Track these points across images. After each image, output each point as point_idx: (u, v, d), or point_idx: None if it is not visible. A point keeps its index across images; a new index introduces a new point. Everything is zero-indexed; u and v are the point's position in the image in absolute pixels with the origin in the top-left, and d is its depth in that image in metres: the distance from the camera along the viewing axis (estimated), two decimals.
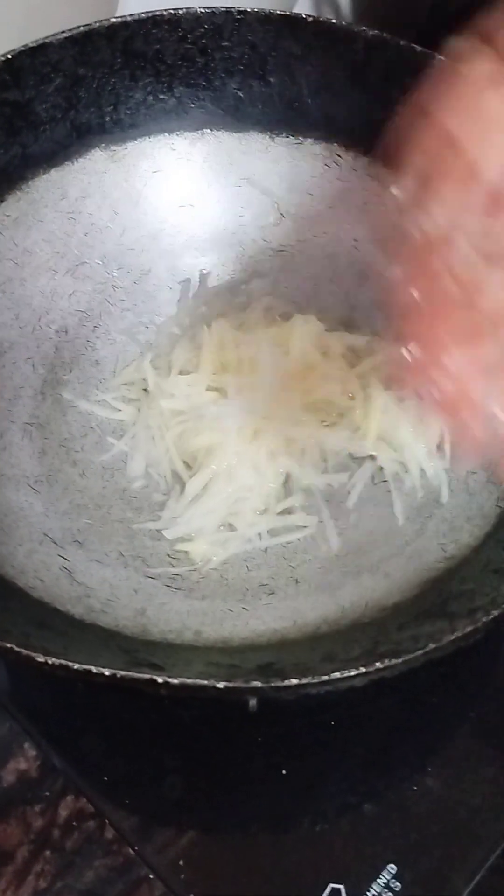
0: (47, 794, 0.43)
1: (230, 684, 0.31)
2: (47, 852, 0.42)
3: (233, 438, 0.42)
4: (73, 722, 0.44)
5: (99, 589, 0.39)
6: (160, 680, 0.31)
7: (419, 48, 0.46)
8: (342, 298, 0.49)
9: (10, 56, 0.44)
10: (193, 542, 0.42)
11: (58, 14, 0.50)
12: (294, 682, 0.30)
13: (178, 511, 0.42)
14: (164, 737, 0.43)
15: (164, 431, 0.44)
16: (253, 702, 0.40)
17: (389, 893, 0.39)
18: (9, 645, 0.31)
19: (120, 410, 0.46)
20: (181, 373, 0.46)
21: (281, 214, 0.50)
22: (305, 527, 0.42)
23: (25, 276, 0.47)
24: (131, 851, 0.41)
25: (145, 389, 0.46)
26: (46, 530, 0.41)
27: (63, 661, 0.31)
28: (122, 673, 0.31)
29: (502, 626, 0.45)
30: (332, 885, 0.39)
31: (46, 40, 0.45)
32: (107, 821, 0.42)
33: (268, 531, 0.42)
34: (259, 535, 0.42)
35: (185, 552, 0.42)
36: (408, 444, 0.44)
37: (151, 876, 0.41)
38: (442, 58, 0.45)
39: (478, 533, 0.40)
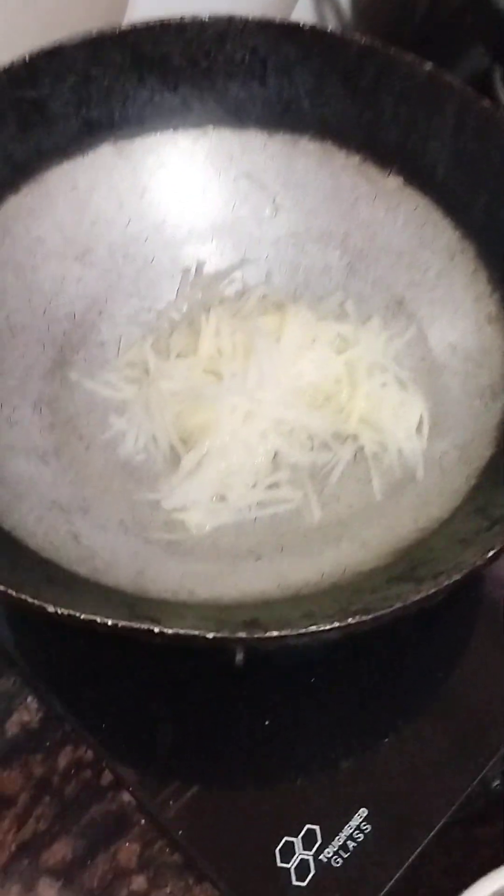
0: (48, 744, 0.45)
1: (218, 634, 0.33)
2: (47, 798, 0.44)
3: (226, 418, 0.44)
4: (74, 674, 0.46)
5: (102, 552, 0.41)
6: (156, 630, 0.33)
7: (409, 55, 0.47)
8: (332, 289, 0.51)
9: (27, 57, 0.45)
10: (189, 511, 0.43)
11: (72, 19, 0.51)
12: (275, 633, 0.33)
13: (175, 484, 0.44)
14: (159, 690, 0.45)
15: (162, 410, 0.45)
16: (239, 656, 0.43)
17: (360, 834, 0.42)
18: (23, 596, 0.33)
19: (122, 390, 0.47)
20: (179, 356, 0.47)
21: (276, 208, 0.51)
22: (291, 500, 0.44)
23: (37, 263, 0.48)
24: (124, 798, 0.43)
25: (147, 371, 0.47)
26: (55, 498, 0.43)
27: (71, 612, 0.33)
28: (123, 623, 0.33)
29: (472, 595, 0.49)
30: (308, 826, 0.42)
31: (62, 43, 0.46)
32: (103, 764, 0.44)
33: (257, 503, 0.44)
34: (249, 506, 0.44)
35: (182, 521, 0.43)
36: (388, 426, 0.45)
37: (143, 821, 0.43)
38: (430, 64, 0.48)
39: (448, 507, 0.41)
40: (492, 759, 0.44)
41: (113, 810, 0.44)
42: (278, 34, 0.48)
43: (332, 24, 0.70)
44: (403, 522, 0.42)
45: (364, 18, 0.72)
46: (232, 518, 0.44)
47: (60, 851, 0.43)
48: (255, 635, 0.33)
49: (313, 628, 0.33)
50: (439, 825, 0.42)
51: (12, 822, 0.43)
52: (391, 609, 0.34)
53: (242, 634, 0.34)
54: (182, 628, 0.34)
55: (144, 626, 0.33)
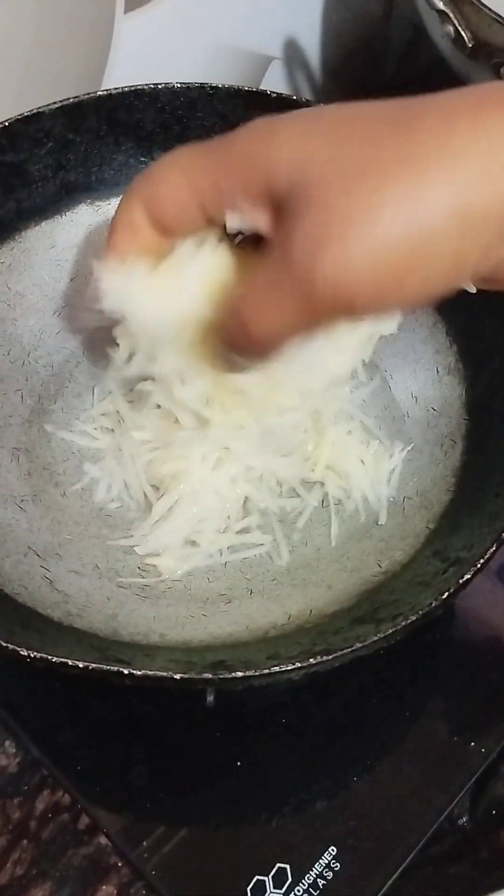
0: (25, 788, 0.45)
1: (185, 675, 0.34)
2: (24, 842, 0.44)
3: (197, 466, 0.44)
4: (50, 719, 0.46)
5: (76, 596, 0.42)
6: (126, 671, 0.34)
7: None
8: None
9: (6, 123, 0.47)
10: (161, 556, 0.44)
11: (50, 86, 0.54)
12: (240, 674, 0.34)
13: (147, 529, 0.45)
14: (133, 733, 0.46)
15: (134, 459, 0.46)
16: (210, 697, 0.44)
17: (329, 872, 0.42)
18: None
19: (97, 439, 0.48)
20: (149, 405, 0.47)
21: None
22: (261, 544, 0.45)
23: (17, 317, 0.50)
24: (101, 841, 0.44)
25: (120, 420, 0.48)
26: (30, 544, 0.44)
27: (43, 655, 0.34)
28: (94, 665, 0.34)
29: (440, 636, 0.50)
30: (279, 864, 0.43)
31: (40, 109, 0.47)
32: (79, 805, 0.44)
33: (227, 548, 0.45)
34: (220, 551, 0.45)
35: (154, 566, 0.44)
36: (353, 473, 0.46)
37: (120, 864, 0.44)
38: None
39: (409, 551, 0.43)
40: (458, 796, 0.45)
41: (90, 854, 0.44)
42: (247, 101, 0.50)
43: (303, 87, 0.74)
44: (367, 565, 0.43)
45: (334, 81, 0.76)
46: (203, 562, 0.45)
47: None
48: (221, 676, 0.35)
49: (276, 669, 0.34)
50: (407, 861, 0.43)
51: None
52: (351, 649, 0.35)
53: (209, 675, 0.35)
54: (151, 670, 0.35)
55: (115, 668, 0.35)
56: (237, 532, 0.46)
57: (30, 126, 0.48)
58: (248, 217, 0.32)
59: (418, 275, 0.28)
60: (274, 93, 0.51)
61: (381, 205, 0.27)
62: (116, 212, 0.38)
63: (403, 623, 0.35)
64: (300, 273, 0.28)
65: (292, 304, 0.30)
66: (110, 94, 0.49)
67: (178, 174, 0.33)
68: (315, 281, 0.28)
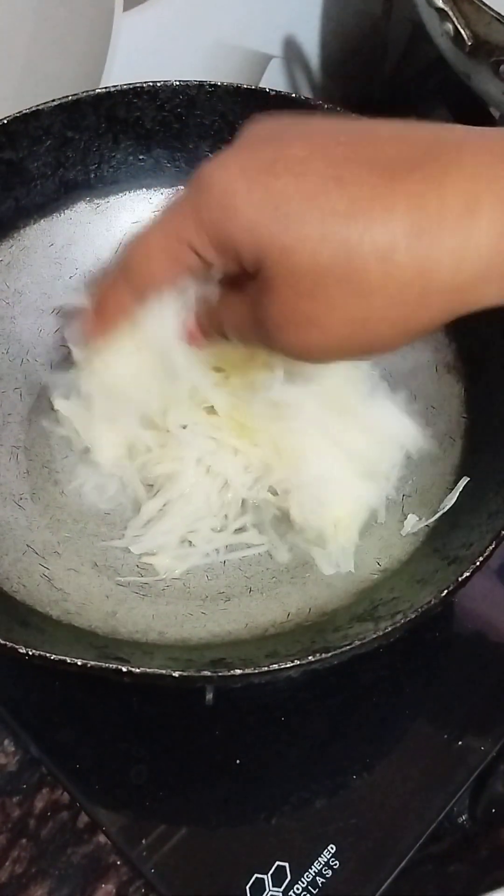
0: (24, 786, 0.46)
1: (184, 673, 0.34)
2: (23, 840, 0.44)
3: (191, 467, 0.44)
4: (49, 717, 0.46)
5: (75, 594, 0.42)
6: (125, 669, 0.34)
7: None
8: None
9: (5, 121, 0.47)
10: (157, 556, 0.44)
11: (49, 84, 0.54)
12: (238, 672, 0.34)
13: (138, 530, 0.44)
14: (133, 732, 0.46)
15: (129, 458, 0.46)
16: (209, 695, 0.44)
17: (329, 870, 0.43)
18: None
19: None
20: None
21: None
22: (259, 544, 0.45)
23: (16, 315, 0.50)
24: (100, 840, 0.44)
25: None
26: (29, 542, 0.44)
27: (41, 653, 0.34)
28: (93, 663, 0.34)
29: (440, 635, 0.50)
30: (278, 863, 0.43)
31: (39, 107, 0.48)
32: (78, 804, 0.44)
33: (225, 547, 0.45)
34: (216, 550, 0.45)
35: (151, 564, 0.44)
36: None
37: (119, 862, 0.44)
38: None
39: (408, 549, 0.43)
40: (457, 795, 0.45)
41: (89, 852, 0.44)
42: (246, 99, 0.51)
43: (302, 85, 0.74)
44: (366, 563, 0.43)
45: (334, 80, 0.76)
46: (200, 562, 0.45)
47: (37, 894, 0.43)
48: (220, 674, 0.35)
49: (276, 667, 0.34)
50: (406, 860, 0.43)
51: None
52: (350, 647, 0.35)
53: (208, 673, 0.35)
54: (150, 668, 0.35)
55: (114, 665, 0.35)
56: (234, 532, 0.45)
57: (29, 124, 0.48)
58: (223, 267, 0.34)
59: (365, 349, 0.31)
60: (273, 91, 0.51)
61: (329, 312, 0.30)
62: (100, 292, 0.39)
63: (403, 621, 0.35)
64: (268, 332, 0.32)
65: (256, 339, 0.33)
66: (109, 91, 0.49)
67: (157, 250, 0.35)
68: (277, 346, 0.33)
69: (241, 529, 0.45)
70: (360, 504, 0.44)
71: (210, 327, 0.36)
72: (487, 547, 0.38)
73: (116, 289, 0.37)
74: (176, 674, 0.34)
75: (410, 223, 0.28)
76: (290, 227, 0.29)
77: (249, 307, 0.32)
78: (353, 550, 0.43)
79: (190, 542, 0.45)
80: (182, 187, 0.52)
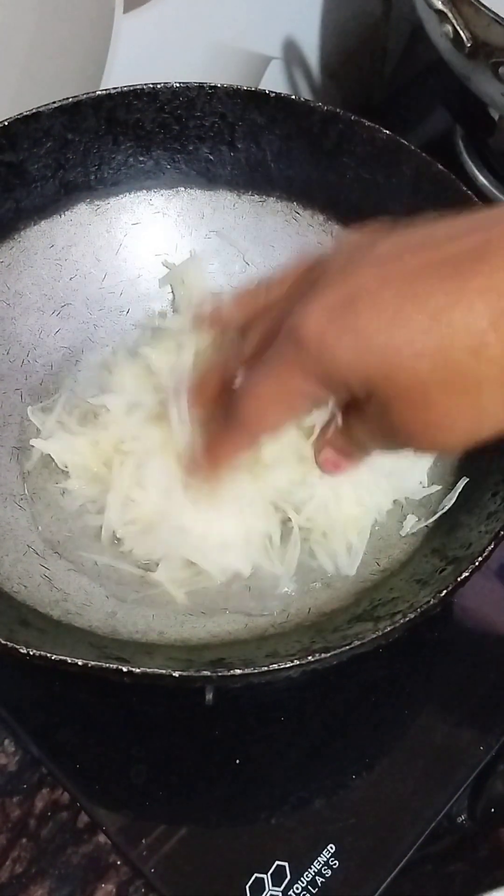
0: (25, 786, 0.46)
1: (184, 673, 0.34)
2: (23, 840, 0.44)
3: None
4: (49, 717, 0.47)
5: (75, 594, 0.42)
6: (125, 669, 0.34)
7: (367, 122, 0.50)
8: None
9: (6, 123, 0.47)
10: (157, 572, 0.44)
11: (49, 85, 0.53)
12: (238, 672, 0.34)
13: (134, 543, 0.44)
14: (133, 732, 0.46)
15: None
16: (209, 695, 0.45)
17: (328, 870, 0.43)
18: None
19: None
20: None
21: (246, 263, 0.53)
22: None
23: (16, 316, 0.50)
24: (101, 840, 0.44)
25: None
26: (30, 542, 0.44)
27: (42, 653, 0.34)
28: (93, 663, 0.34)
29: (438, 635, 0.50)
30: (277, 863, 0.43)
31: (39, 109, 0.48)
32: (78, 804, 0.45)
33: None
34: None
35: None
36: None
37: (119, 862, 0.44)
38: (387, 132, 0.50)
39: (408, 549, 0.43)
40: (456, 795, 0.45)
41: (90, 852, 0.44)
42: (245, 101, 0.51)
43: (302, 87, 0.74)
44: (366, 563, 0.43)
45: (333, 81, 0.76)
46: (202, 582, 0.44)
47: (37, 894, 0.43)
48: (220, 674, 0.35)
49: (275, 667, 0.35)
50: (405, 860, 0.43)
51: None
52: (349, 647, 0.35)
53: (208, 673, 0.35)
54: (150, 668, 0.35)
55: (114, 665, 0.35)
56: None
57: (29, 126, 0.48)
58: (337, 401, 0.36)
59: (497, 426, 0.32)
60: (273, 92, 0.51)
61: (447, 414, 0.32)
62: (212, 437, 0.40)
63: (402, 621, 0.35)
64: (404, 442, 0.34)
65: (395, 448, 0.35)
66: (109, 93, 0.49)
67: (270, 403, 0.36)
68: (420, 450, 0.35)
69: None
70: (371, 505, 0.44)
71: (351, 448, 0.37)
72: (486, 547, 0.38)
73: (231, 436, 0.38)
74: (176, 674, 0.34)
75: (491, 314, 0.29)
76: (385, 356, 0.31)
77: (376, 423, 0.34)
78: (361, 552, 0.44)
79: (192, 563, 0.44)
80: (183, 188, 0.53)
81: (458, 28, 0.54)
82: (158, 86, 0.50)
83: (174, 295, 0.53)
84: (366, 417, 0.34)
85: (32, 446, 0.47)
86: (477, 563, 0.38)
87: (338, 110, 0.50)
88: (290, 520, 0.45)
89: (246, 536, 0.44)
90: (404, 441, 0.33)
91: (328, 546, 0.44)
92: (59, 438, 0.47)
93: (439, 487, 0.46)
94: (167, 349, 0.49)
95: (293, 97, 0.51)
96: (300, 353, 0.33)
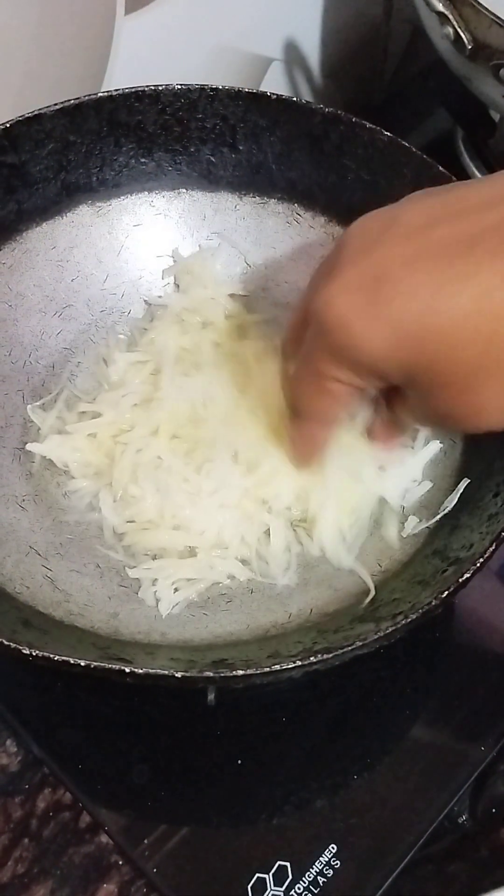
0: (27, 786, 0.46)
1: (187, 674, 0.34)
2: (25, 840, 0.44)
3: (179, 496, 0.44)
4: (51, 717, 0.47)
5: (77, 595, 0.42)
6: (128, 670, 0.34)
7: (368, 124, 0.50)
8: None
9: (8, 125, 0.47)
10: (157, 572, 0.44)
11: (51, 87, 0.53)
12: (240, 672, 0.34)
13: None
14: (135, 732, 0.46)
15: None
16: (211, 696, 0.45)
17: (330, 870, 0.43)
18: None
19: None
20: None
21: (247, 265, 0.54)
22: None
23: (18, 317, 0.50)
24: (102, 840, 0.44)
25: None
26: (32, 543, 0.44)
27: (45, 653, 0.34)
28: (95, 663, 0.34)
29: (439, 635, 0.50)
30: (279, 862, 0.43)
31: (41, 111, 0.47)
32: (80, 804, 0.45)
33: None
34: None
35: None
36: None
37: (121, 862, 0.44)
38: (388, 134, 0.50)
39: (409, 550, 0.43)
40: (457, 795, 0.45)
41: (91, 852, 0.44)
42: (247, 103, 0.51)
43: (303, 88, 0.74)
44: (368, 564, 0.43)
45: (334, 82, 0.76)
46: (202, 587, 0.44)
47: (39, 894, 0.43)
48: (222, 674, 0.35)
49: (277, 667, 0.35)
50: (406, 860, 0.44)
51: None
52: (351, 648, 0.35)
53: (210, 674, 0.35)
54: (152, 668, 0.35)
55: (116, 666, 0.35)
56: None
57: (31, 127, 0.48)
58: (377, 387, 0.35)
59: None
60: (274, 94, 0.51)
61: (492, 396, 0.31)
62: (293, 432, 0.41)
63: (403, 622, 0.35)
64: (452, 425, 0.34)
65: (444, 429, 0.37)
66: (111, 95, 0.49)
67: (311, 395, 0.36)
68: (467, 431, 0.38)
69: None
70: (370, 496, 0.44)
71: (397, 425, 0.38)
72: (487, 548, 0.38)
73: (303, 428, 0.38)
74: (178, 674, 0.35)
75: None
76: (424, 346, 0.29)
77: (419, 407, 0.33)
78: (357, 546, 0.44)
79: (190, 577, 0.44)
80: (184, 189, 0.53)
81: (458, 30, 0.55)
82: (160, 87, 0.50)
83: (177, 286, 0.53)
84: (408, 402, 0.33)
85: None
86: (478, 565, 0.38)
87: (339, 112, 0.50)
88: (289, 519, 0.45)
89: (245, 536, 0.44)
90: (451, 424, 0.32)
91: (325, 541, 0.44)
92: (57, 438, 0.47)
93: (431, 484, 0.46)
94: (166, 328, 0.49)
95: (294, 99, 0.51)
96: (327, 341, 0.31)
